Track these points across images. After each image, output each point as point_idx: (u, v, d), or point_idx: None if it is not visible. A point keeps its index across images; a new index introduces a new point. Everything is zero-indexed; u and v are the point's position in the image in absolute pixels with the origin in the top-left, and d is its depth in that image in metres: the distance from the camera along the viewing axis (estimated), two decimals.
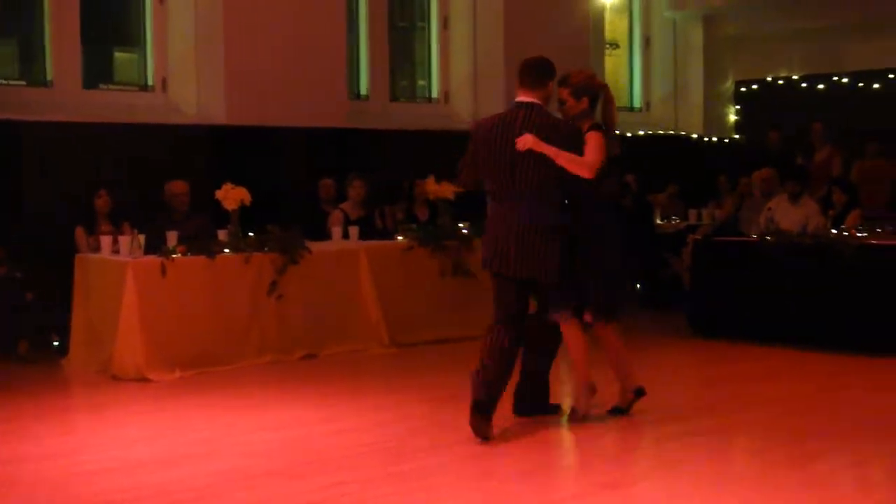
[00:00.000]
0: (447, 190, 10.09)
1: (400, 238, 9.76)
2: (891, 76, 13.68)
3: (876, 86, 13.81)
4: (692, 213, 13.01)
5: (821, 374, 8.04)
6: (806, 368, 8.30)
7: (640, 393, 6.61)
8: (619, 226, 6.43)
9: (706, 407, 6.90)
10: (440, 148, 11.74)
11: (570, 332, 6.32)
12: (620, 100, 14.43)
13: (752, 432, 6.30)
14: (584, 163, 5.99)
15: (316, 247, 9.02)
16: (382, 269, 9.31)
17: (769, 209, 10.15)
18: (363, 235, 9.73)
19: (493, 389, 6.00)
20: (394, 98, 12.54)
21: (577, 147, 6.05)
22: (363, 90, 12.20)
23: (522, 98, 6.10)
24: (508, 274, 6.06)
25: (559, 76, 6.26)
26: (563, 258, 6.10)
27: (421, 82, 13.05)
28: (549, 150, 5.94)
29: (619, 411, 6.59)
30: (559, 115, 6.28)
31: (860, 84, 13.94)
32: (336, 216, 10.21)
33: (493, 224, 6.12)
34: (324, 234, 9.90)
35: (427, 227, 9.92)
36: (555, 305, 6.27)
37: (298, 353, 8.72)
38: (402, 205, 10.87)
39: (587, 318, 6.32)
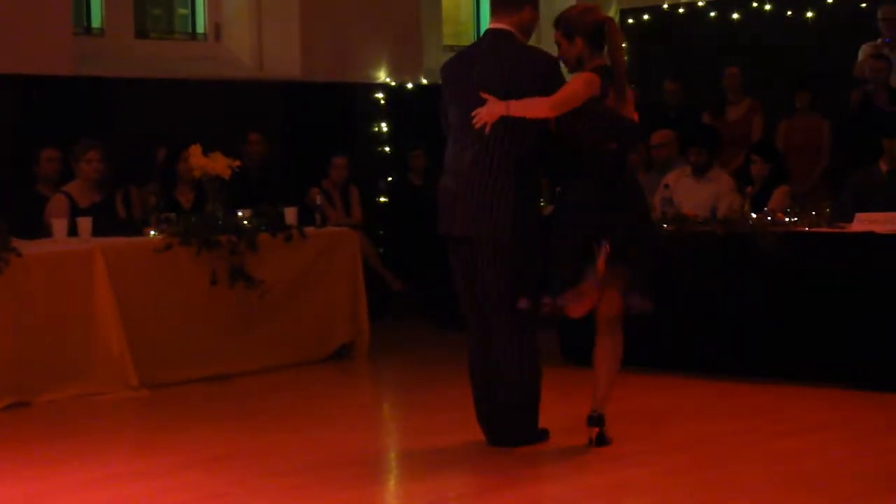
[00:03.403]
0: (220, 164, 10.04)
1: (153, 233, 9.75)
2: (829, 0, 13.87)
3: (810, 14, 14.00)
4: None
5: (733, 414, 8.21)
6: (712, 404, 8.47)
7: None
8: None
9: (575, 460, 7.10)
10: (209, 103, 11.89)
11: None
12: (447, 37, 14.71)
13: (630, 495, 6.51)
14: (542, 101, 6.89)
15: (28, 247, 8.93)
16: (128, 277, 9.30)
17: (666, 187, 10.36)
18: (99, 230, 9.67)
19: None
20: (141, 33, 12.53)
21: (551, 84, 6.98)
22: (96, 21, 12.13)
23: (492, 25, 7.25)
24: (454, 232, 7.14)
25: (555, 17, 7.23)
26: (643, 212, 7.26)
27: (182, 11, 13.06)
28: (503, 109, 6.88)
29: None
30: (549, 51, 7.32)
31: (789, 12, 14.12)
32: (58, 202, 10.12)
33: (448, 173, 7.22)
34: (41, 229, 9.84)
35: (191, 218, 9.89)
36: (632, 283, 7.07)
37: (2, 400, 8.61)
38: (155, 185, 10.81)
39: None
